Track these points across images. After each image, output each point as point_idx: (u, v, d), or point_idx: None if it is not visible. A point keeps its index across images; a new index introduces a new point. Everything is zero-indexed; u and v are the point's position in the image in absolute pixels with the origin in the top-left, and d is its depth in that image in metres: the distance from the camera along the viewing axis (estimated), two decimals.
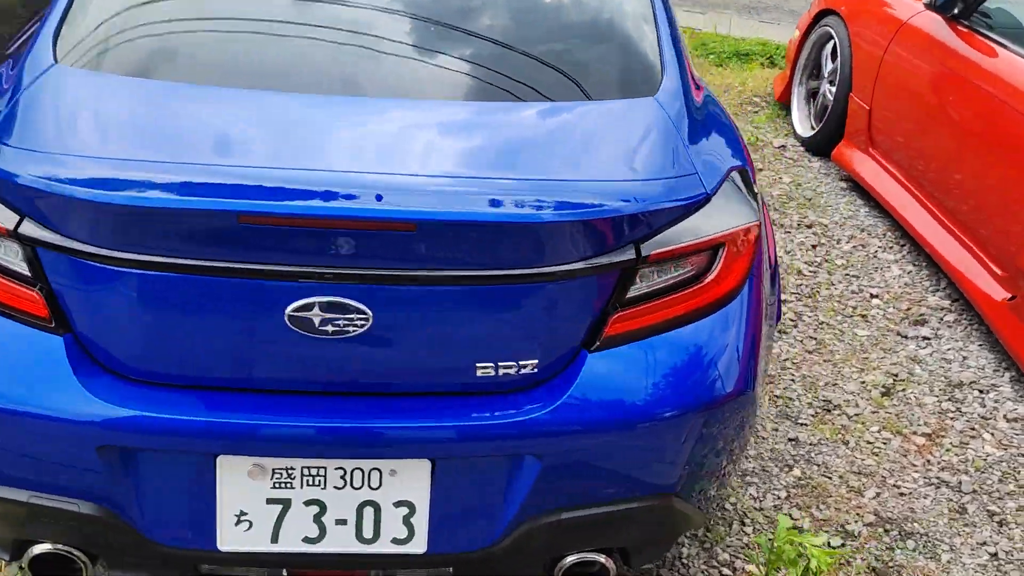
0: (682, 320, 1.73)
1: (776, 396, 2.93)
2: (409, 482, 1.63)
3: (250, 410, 1.57)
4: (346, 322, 1.53)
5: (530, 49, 2.02)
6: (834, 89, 4.52)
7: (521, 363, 1.63)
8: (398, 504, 1.64)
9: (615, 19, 2.18)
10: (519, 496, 1.66)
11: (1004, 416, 2.89)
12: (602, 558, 1.80)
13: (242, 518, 1.63)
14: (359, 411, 1.60)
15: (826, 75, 4.70)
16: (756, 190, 2.35)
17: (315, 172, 1.52)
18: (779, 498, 2.54)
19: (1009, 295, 3.08)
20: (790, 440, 2.75)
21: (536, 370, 1.64)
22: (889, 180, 3.95)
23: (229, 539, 1.63)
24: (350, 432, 1.58)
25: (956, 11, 3.63)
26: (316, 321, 1.52)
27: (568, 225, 1.56)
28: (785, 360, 3.11)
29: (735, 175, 1.92)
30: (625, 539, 1.82)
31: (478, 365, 1.61)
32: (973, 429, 2.84)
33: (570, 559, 1.79)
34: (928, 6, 3.62)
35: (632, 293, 1.68)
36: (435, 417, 1.61)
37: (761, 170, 4.49)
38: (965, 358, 3.15)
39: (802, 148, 4.77)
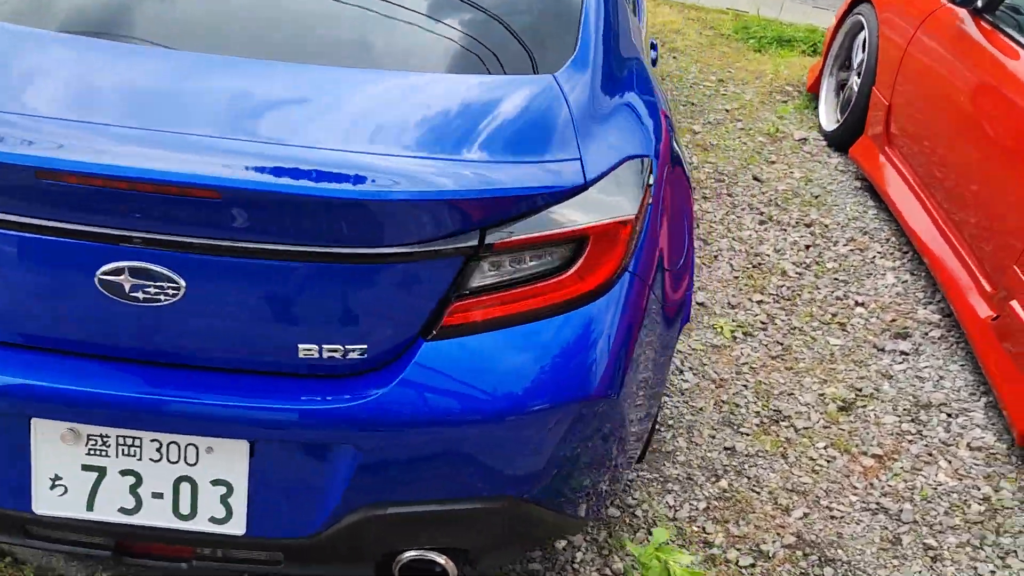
0: (536, 315, 1.61)
1: (723, 401, 2.78)
2: (226, 461, 1.57)
3: (62, 373, 1.53)
4: (157, 290, 1.46)
5: (428, 17, 1.91)
6: (860, 81, 4.27)
7: (348, 347, 1.54)
8: (215, 483, 1.58)
9: None
10: (340, 486, 1.58)
11: (968, 444, 2.68)
12: (441, 559, 1.71)
13: (57, 482, 1.59)
14: (174, 383, 1.54)
15: (855, 66, 4.44)
16: (690, 183, 2.22)
17: (124, 129, 1.44)
18: (696, 509, 2.40)
19: (993, 314, 2.86)
20: (726, 449, 2.61)
21: (365, 356, 1.56)
22: (900, 182, 3.71)
23: (44, 502, 1.60)
24: (161, 404, 1.52)
25: (979, 4, 3.36)
26: (127, 287, 1.46)
27: (397, 205, 1.46)
28: (743, 364, 2.95)
29: (631, 164, 1.79)
30: (467, 540, 1.73)
31: (301, 347, 1.54)
32: (930, 455, 2.65)
33: (407, 556, 1.71)
34: None
35: (478, 282, 1.58)
36: (253, 397, 1.54)
37: (773, 163, 4.28)
38: (941, 378, 2.94)
39: (824, 142, 4.53)
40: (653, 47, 2.95)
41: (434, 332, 1.57)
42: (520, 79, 1.81)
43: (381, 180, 1.46)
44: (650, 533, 2.32)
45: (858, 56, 4.40)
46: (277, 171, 1.42)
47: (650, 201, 1.81)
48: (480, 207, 1.53)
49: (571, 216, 1.62)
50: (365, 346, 1.55)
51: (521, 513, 1.71)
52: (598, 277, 1.66)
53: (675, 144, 2.22)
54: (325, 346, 1.54)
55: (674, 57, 5.45)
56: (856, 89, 4.29)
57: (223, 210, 1.42)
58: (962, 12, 3.45)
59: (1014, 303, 2.73)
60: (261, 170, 1.42)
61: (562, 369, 1.62)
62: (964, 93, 3.26)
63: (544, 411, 1.61)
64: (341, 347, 1.54)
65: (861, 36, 4.39)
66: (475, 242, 1.54)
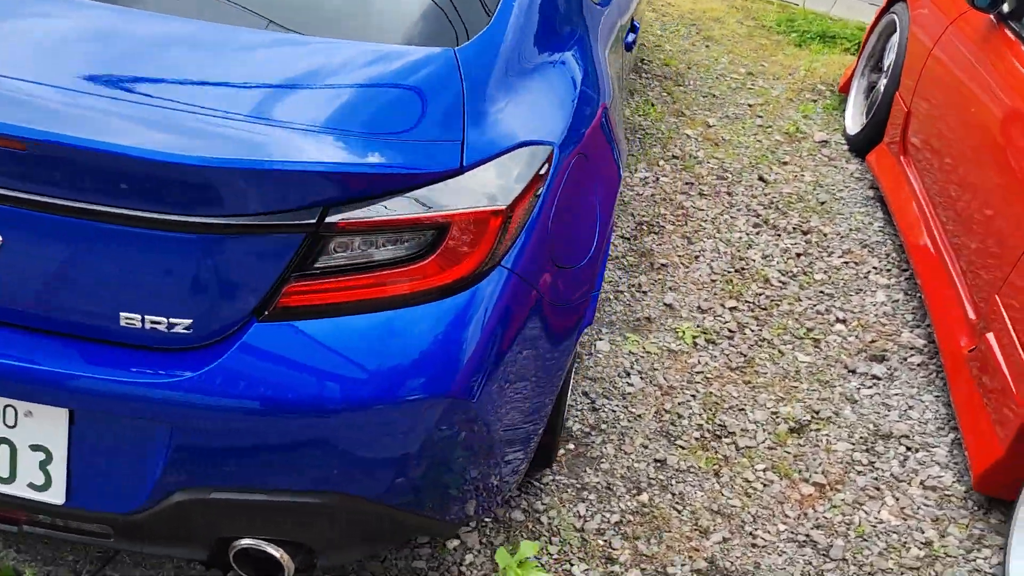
0: (386, 304, 1.51)
1: (665, 410, 2.63)
2: (45, 427, 1.51)
3: None
4: None
5: None
6: (886, 84, 4.02)
7: (172, 320, 1.46)
8: (34, 448, 1.52)
9: None
10: (159, 464, 1.50)
11: (921, 482, 2.49)
12: (276, 551, 1.62)
13: None
14: None
15: (886, 68, 4.18)
16: (617, 176, 2.07)
17: None
18: (608, 522, 2.27)
19: (972, 345, 2.64)
20: (656, 461, 2.47)
21: (191, 331, 1.47)
22: (908, 194, 3.48)
23: None
24: None
25: (1005, 10, 3.10)
26: None
27: (221, 172, 1.36)
28: (697, 373, 2.79)
29: (523, 152, 1.66)
30: (303, 535, 1.63)
31: (123, 315, 1.45)
32: (878, 489, 2.46)
33: (241, 544, 1.63)
34: (969, 2, 3.10)
35: (323, 263, 1.47)
36: (74, 364, 1.46)
37: (785, 164, 4.07)
38: (910, 408, 2.74)
39: (846, 146, 4.29)
40: (633, 29, 2.79)
41: (266, 313, 1.47)
42: (416, 50, 1.69)
43: (207, 144, 1.37)
44: (550, 543, 2.20)
45: (888, 58, 4.14)
46: (91, 124, 1.33)
47: (539, 192, 1.68)
48: (321, 182, 1.42)
49: (434, 201, 1.51)
50: (190, 320, 1.46)
51: (362, 511, 1.61)
52: (461, 269, 1.55)
53: (606, 135, 2.08)
54: (148, 316, 1.45)
55: (706, 46, 5.23)
56: (882, 92, 4.04)
57: (34, 163, 1.34)
58: (988, 18, 3.19)
59: (990, 335, 2.52)
60: (74, 122, 1.33)
61: (408, 365, 1.51)
62: (979, 106, 3.02)
63: (382, 408, 1.50)
64: (164, 319, 1.45)
65: (895, 37, 4.13)
66: (313, 220, 1.43)
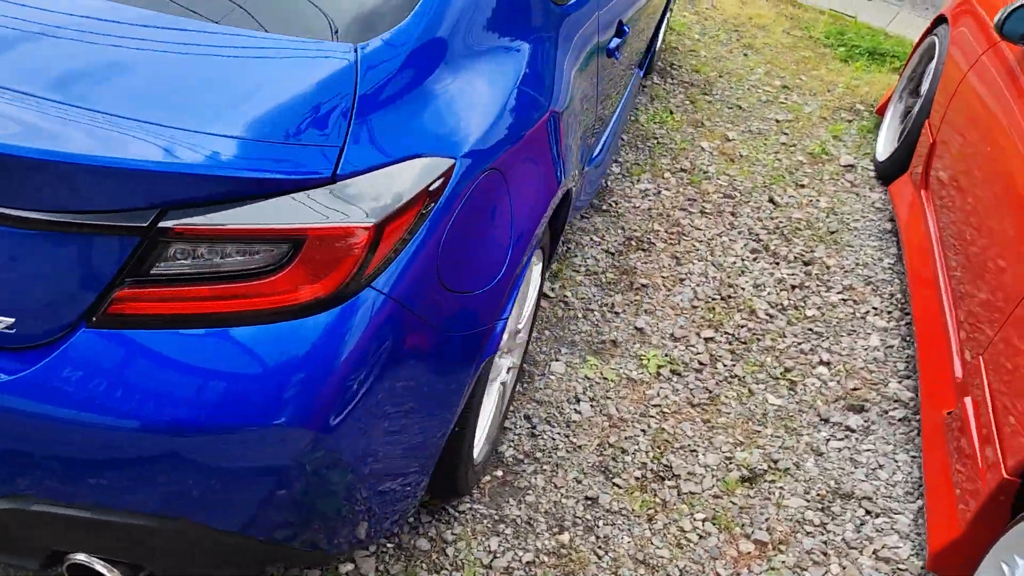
0: (228, 319, 1.38)
1: (609, 443, 2.47)
2: None
3: None
4: None
5: None
6: (918, 110, 3.76)
7: None
8: None
9: None
10: None
11: (875, 551, 2.28)
12: (107, 570, 1.52)
13: None
14: None
15: (923, 93, 3.91)
16: (544, 197, 1.91)
17: None
18: (519, 561, 2.13)
19: (950, 408, 2.42)
20: (587, 499, 2.31)
21: (13, 330, 1.36)
22: (922, 233, 3.23)
23: None
24: None
25: None
26: None
27: (39, 164, 1.25)
28: (654, 406, 2.61)
29: (413, 165, 1.52)
30: (138, 556, 1.53)
31: None
32: (825, 554, 2.27)
33: (75, 558, 1.53)
34: (998, 30, 2.83)
35: (162, 270, 1.36)
36: None
37: (802, 187, 3.83)
38: (880, 467, 2.53)
39: (873, 173, 4.03)
40: (620, 33, 2.60)
41: (94, 319, 1.36)
42: (313, 45, 1.55)
43: (29, 133, 1.26)
44: None
45: (926, 82, 3.87)
46: None
47: (428, 209, 1.53)
48: (156, 183, 1.30)
49: (292, 212, 1.38)
50: (12, 320, 1.36)
51: (206, 538, 1.50)
52: (318, 289, 1.41)
53: (546, 147, 1.93)
54: None
55: (744, 55, 4.99)
56: (914, 118, 3.78)
57: None
58: (1018, 49, 2.93)
59: (967, 400, 2.30)
60: None
61: (249, 389, 1.39)
62: (1000, 147, 2.77)
63: (215, 432, 1.38)
64: None
65: (934, 61, 3.85)
66: (145, 224, 1.31)
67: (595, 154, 3.00)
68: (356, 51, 1.56)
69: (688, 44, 5.01)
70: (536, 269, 2.29)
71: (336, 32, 1.60)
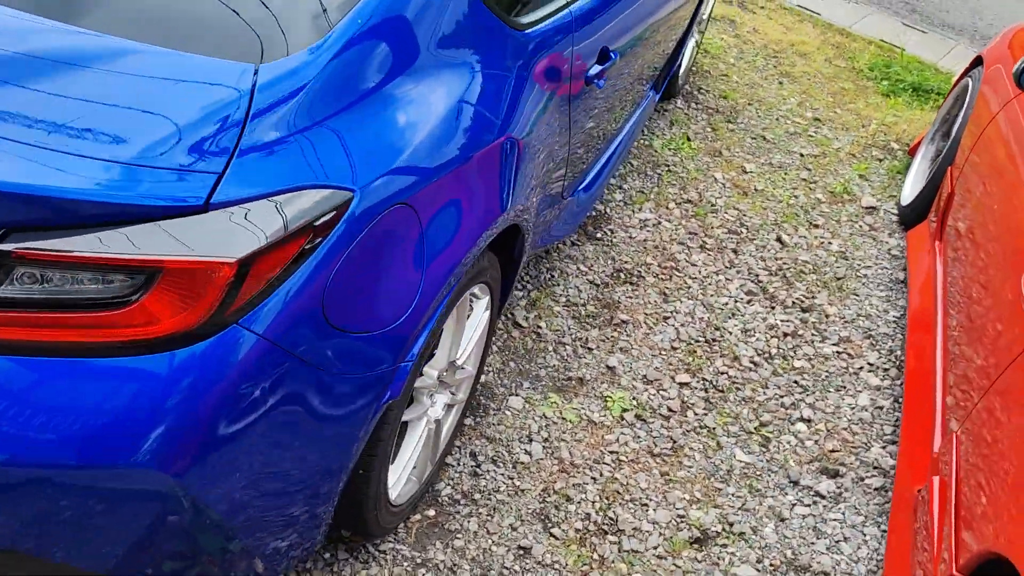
0: (75, 350, 1.31)
1: (555, 490, 2.35)
2: None
3: None
4: None
5: None
6: (944, 155, 3.55)
7: None
8: None
9: None
10: None
11: None
12: None
13: None
14: None
15: (953, 136, 3.70)
16: (462, 237, 1.80)
17: None
18: None
19: (921, 484, 2.25)
20: (520, 548, 2.19)
21: None
22: (928, 287, 3.04)
23: None
24: None
25: None
26: None
27: None
28: (611, 452, 2.48)
29: (301, 196, 1.43)
30: None
31: None
32: None
33: None
34: (1016, 81, 2.63)
35: (5, 293, 1.29)
36: None
37: (816, 227, 3.65)
38: (844, 539, 2.36)
39: (895, 217, 3.83)
40: (605, 59, 2.46)
41: None
42: (210, 63, 1.47)
43: None
44: None
45: (956, 126, 3.66)
46: None
47: (314, 244, 1.44)
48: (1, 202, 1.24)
49: (152, 240, 1.30)
50: None
51: (47, 572, 1.43)
52: (174, 324, 1.33)
53: (486, 177, 1.83)
54: None
55: (779, 83, 4.81)
56: (939, 163, 3.58)
57: None
58: None
59: (935, 479, 2.12)
60: None
61: (95, 423, 1.31)
62: (1009, 203, 2.57)
63: (57, 467, 1.31)
64: None
65: (966, 103, 3.64)
66: None
67: (584, 183, 2.88)
68: (255, 71, 1.48)
69: (721, 68, 4.84)
70: (482, 303, 2.19)
71: (241, 49, 1.52)
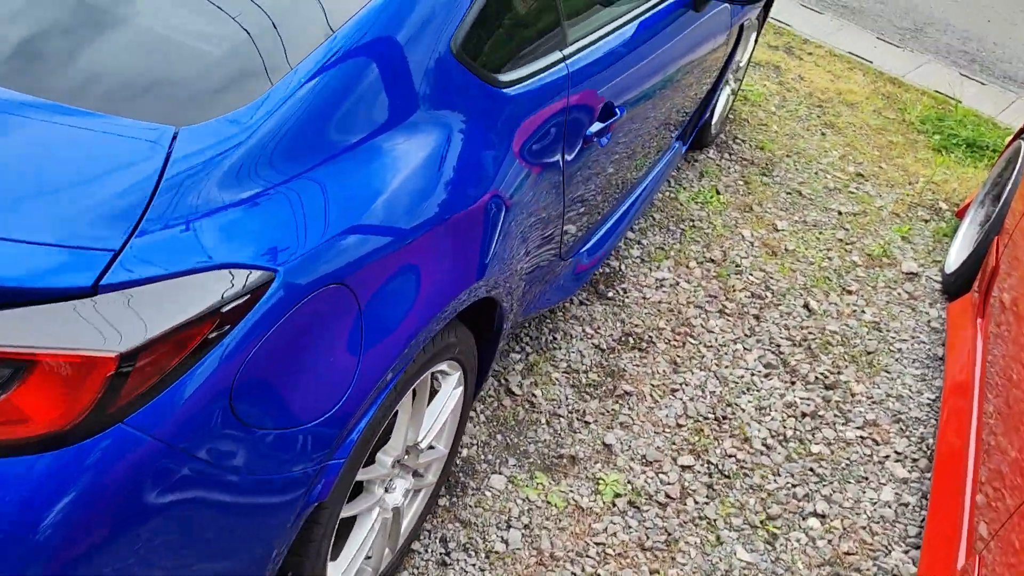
0: None
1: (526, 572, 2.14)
2: None
3: None
4: None
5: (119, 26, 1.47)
6: (991, 223, 3.28)
7: None
8: None
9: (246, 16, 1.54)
10: None
11: None
12: None
13: None
14: None
15: (1003, 201, 3.42)
16: (414, 318, 1.62)
17: None
18: None
19: None
20: None
21: None
22: (967, 367, 2.77)
23: None
24: None
25: None
26: None
27: None
28: (597, 544, 2.26)
29: (211, 277, 1.27)
30: None
31: None
32: None
33: None
34: None
35: None
36: None
37: (849, 293, 3.40)
38: None
39: (939, 285, 3.56)
40: (608, 114, 2.27)
41: None
42: (127, 125, 1.33)
43: None
44: None
45: (1008, 190, 3.39)
46: None
47: (218, 333, 1.28)
48: None
49: (26, 327, 1.15)
50: None
51: None
52: (50, 423, 1.17)
53: (450, 247, 1.67)
54: None
55: (822, 133, 4.56)
56: (987, 231, 3.30)
57: None
58: None
59: None
60: None
61: None
62: None
63: None
64: None
65: (1018, 167, 3.37)
66: None
67: (588, 244, 2.69)
68: (173, 135, 1.33)
69: (761, 117, 4.62)
70: (452, 379, 2.00)
71: (165, 108, 1.37)
